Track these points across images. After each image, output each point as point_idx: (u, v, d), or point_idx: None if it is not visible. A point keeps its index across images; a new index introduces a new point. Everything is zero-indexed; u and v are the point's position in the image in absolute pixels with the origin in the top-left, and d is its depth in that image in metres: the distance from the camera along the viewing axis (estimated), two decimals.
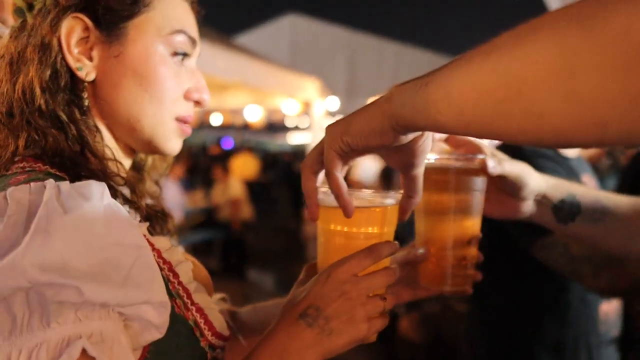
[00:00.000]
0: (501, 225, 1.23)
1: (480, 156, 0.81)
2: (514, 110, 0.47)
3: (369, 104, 0.65)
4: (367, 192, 0.75)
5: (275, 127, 17.14)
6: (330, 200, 0.70)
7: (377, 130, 0.62)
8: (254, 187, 13.44)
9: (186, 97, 0.79)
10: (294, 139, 23.19)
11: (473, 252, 0.85)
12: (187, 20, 0.79)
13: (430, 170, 0.77)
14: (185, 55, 0.78)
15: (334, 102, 10.10)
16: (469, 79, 0.50)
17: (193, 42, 0.79)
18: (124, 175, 0.74)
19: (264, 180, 16.06)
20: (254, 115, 7.80)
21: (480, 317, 1.48)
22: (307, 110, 7.19)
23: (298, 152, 15.38)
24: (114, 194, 0.68)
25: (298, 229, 8.04)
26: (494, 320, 1.42)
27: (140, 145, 0.79)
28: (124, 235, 0.60)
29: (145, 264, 0.61)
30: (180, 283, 0.71)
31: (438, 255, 0.84)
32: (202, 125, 12.17)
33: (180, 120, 0.79)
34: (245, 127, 12.20)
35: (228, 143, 21.04)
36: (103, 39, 0.73)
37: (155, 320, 0.61)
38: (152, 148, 0.79)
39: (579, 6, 0.43)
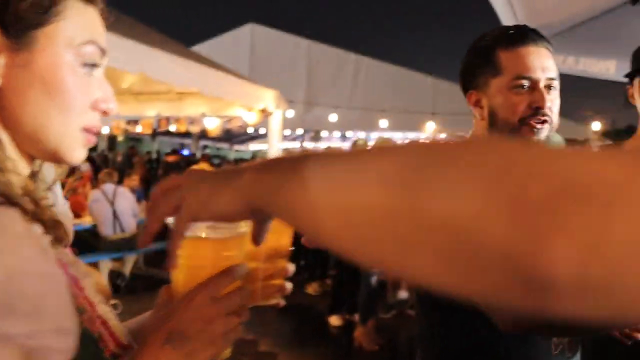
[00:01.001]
0: None
1: None
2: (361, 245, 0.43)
3: (226, 181, 0.62)
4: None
5: (234, 135, 17.02)
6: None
7: (235, 213, 0.62)
8: None
9: (94, 107, 0.78)
10: (252, 148, 23.03)
11: (281, 265, 0.87)
12: (98, 30, 0.78)
13: None
14: (94, 65, 0.76)
15: (291, 112, 10.14)
16: (322, 197, 0.46)
17: (102, 52, 0.78)
18: (24, 185, 0.73)
19: None
20: (212, 123, 7.75)
21: (422, 325, 1.44)
22: (265, 119, 7.19)
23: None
24: (19, 208, 0.67)
25: None
26: (434, 329, 1.39)
27: (44, 155, 0.77)
28: (34, 265, 0.59)
29: (56, 293, 0.61)
30: (85, 297, 0.72)
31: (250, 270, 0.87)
32: (159, 133, 11.99)
33: (87, 130, 0.77)
34: (203, 135, 12.09)
35: (185, 152, 20.74)
36: (10, 46, 0.70)
37: (62, 346, 0.61)
38: (56, 158, 0.77)
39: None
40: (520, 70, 1.28)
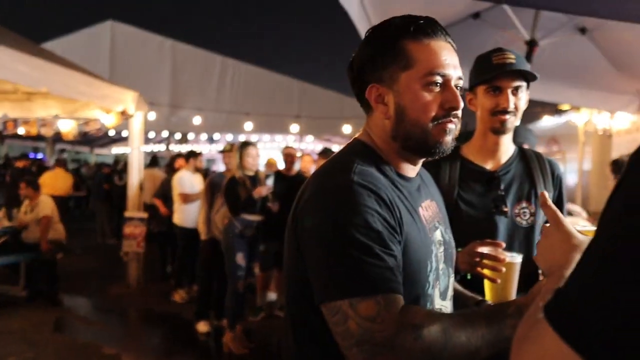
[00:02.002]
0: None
1: None
2: None
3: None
4: None
5: (94, 139, 16.09)
6: None
7: None
8: (67, 203, 12.43)
9: None
10: (114, 152, 21.96)
11: None
12: None
13: None
14: None
15: (153, 114, 9.79)
16: None
17: None
18: None
19: (80, 195, 14.97)
20: (66, 126, 7.23)
21: (289, 328, 1.27)
22: (125, 121, 6.87)
23: (118, 165, 14.60)
24: None
25: (117, 246, 7.61)
26: (298, 332, 1.23)
27: None
28: None
29: None
30: None
31: None
32: (7, 136, 10.97)
33: None
34: (59, 138, 11.27)
35: (37, 156, 19.22)
36: None
37: None
38: None
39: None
40: (434, 66, 1.16)
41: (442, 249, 1.27)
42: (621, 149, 6.48)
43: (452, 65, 1.18)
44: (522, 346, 0.60)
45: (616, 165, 4.10)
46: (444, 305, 1.28)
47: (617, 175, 4.03)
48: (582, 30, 4.44)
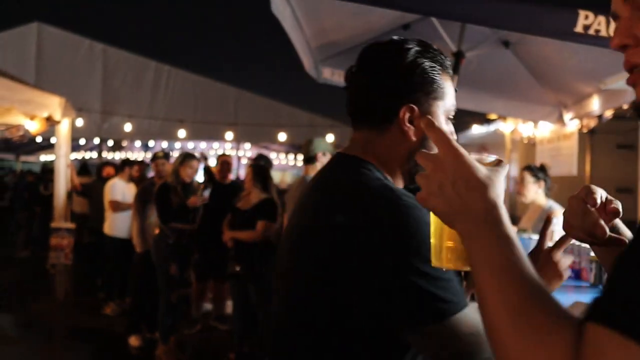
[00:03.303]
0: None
1: None
2: None
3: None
4: None
5: (20, 145, 15.36)
6: None
7: None
8: None
9: None
10: (42, 159, 21.06)
11: None
12: None
13: None
14: None
15: (81, 121, 9.47)
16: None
17: None
18: None
19: (1, 205, 14.24)
20: None
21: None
22: (52, 128, 6.59)
23: (46, 172, 13.99)
24: None
25: (44, 258, 7.28)
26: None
27: None
28: None
29: None
30: None
31: None
32: None
33: None
34: None
35: None
36: None
37: None
38: None
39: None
40: (453, 102, 1.21)
41: None
42: (544, 156, 6.79)
43: None
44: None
45: (531, 170, 4.32)
46: None
47: (537, 180, 4.22)
48: (506, 44, 4.63)
